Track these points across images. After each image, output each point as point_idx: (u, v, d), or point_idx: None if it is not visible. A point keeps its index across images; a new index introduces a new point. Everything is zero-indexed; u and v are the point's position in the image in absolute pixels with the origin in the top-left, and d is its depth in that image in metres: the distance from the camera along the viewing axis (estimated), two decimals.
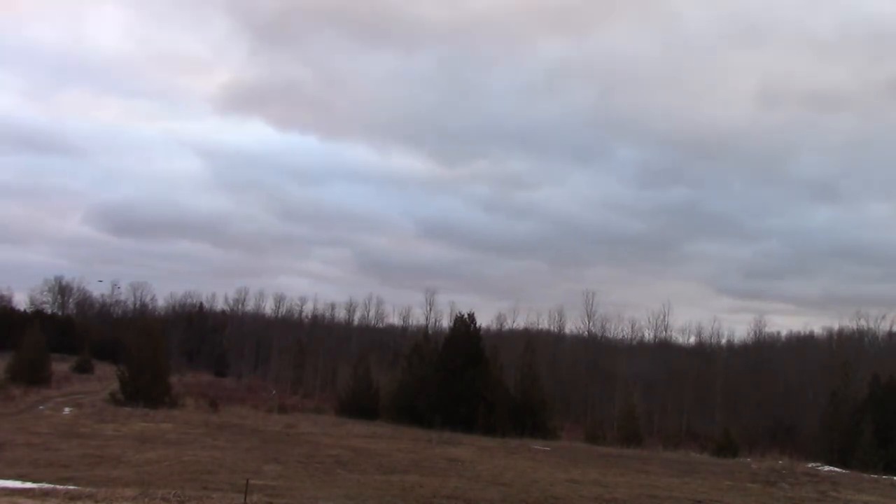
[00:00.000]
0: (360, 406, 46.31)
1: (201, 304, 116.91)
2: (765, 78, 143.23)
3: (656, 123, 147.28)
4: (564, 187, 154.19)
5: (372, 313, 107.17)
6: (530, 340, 64.16)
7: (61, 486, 14.01)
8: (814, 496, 21.56)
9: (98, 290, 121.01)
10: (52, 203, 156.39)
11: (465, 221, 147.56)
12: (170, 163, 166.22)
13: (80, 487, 14.08)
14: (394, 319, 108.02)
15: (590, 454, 31.81)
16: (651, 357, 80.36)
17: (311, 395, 69.13)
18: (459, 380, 41.85)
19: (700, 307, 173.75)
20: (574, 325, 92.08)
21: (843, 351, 72.07)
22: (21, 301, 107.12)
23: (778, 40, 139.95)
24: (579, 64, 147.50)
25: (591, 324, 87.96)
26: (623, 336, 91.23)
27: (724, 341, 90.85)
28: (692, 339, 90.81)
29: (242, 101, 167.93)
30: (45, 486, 13.98)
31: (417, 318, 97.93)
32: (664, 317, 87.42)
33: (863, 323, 79.97)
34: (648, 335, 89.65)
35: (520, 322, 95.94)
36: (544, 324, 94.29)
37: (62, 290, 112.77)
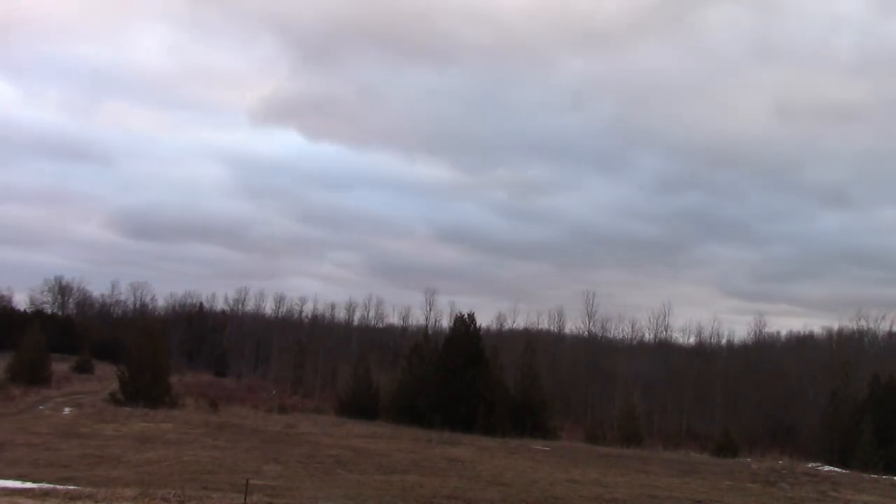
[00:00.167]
0: (360, 406, 46.31)
1: (201, 304, 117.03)
2: (782, 93, 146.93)
3: (674, 134, 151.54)
4: (582, 194, 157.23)
5: (372, 313, 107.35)
6: (530, 340, 64.18)
7: (61, 486, 14.02)
8: (814, 496, 21.56)
9: (98, 290, 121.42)
10: (73, 207, 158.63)
11: (480, 226, 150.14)
12: (195, 170, 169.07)
13: (80, 487, 14.08)
14: (394, 319, 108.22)
15: (590, 454, 31.81)
16: (651, 357, 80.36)
17: (311, 395, 69.13)
18: (459, 380, 41.84)
19: (708, 309, 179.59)
20: (574, 325, 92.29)
21: (843, 351, 72.04)
22: (21, 301, 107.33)
23: (798, 59, 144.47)
24: (604, 80, 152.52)
25: (591, 324, 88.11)
26: (623, 336, 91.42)
27: (724, 341, 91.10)
28: (692, 340, 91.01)
29: (278, 112, 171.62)
30: (45, 486, 13.99)
31: (417, 318, 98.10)
32: (664, 317, 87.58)
33: (863, 323, 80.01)
34: (648, 335, 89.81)
35: (520, 322, 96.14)
36: (544, 324, 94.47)
37: (62, 290, 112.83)
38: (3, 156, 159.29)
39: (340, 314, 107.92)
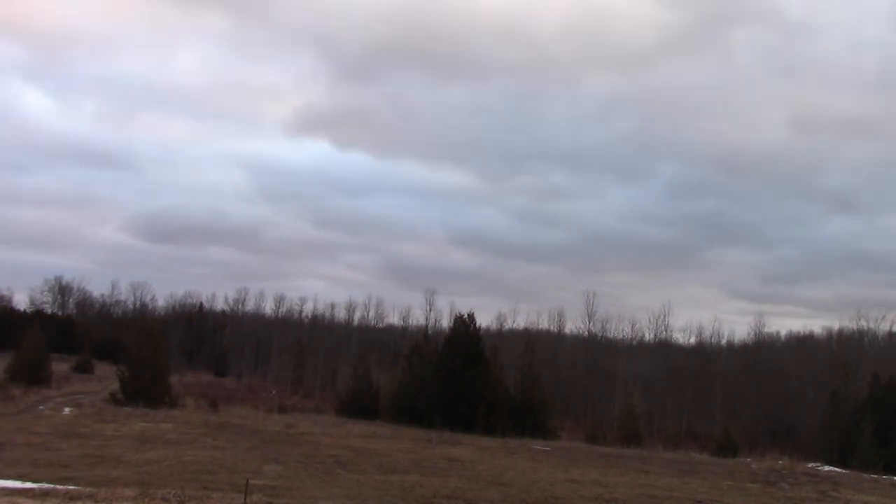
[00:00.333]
0: (360, 406, 46.30)
1: (201, 304, 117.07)
2: (799, 107, 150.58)
3: (692, 144, 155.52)
4: (598, 200, 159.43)
5: (372, 313, 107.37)
6: (530, 340, 64.21)
7: (61, 486, 14.02)
8: (814, 496, 21.56)
9: (98, 290, 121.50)
10: (92, 212, 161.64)
11: (495, 229, 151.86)
12: (218, 176, 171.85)
13: (80, 487, 14.08)
14: (394, 319, 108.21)
15: (590, 454, 31.80)
16: (651, 357, 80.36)
17: (311, 395, 69.13)
18: (459, 380, 41.83)
19: (715, 310, 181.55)
20: (574, 325, 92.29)
21: (843, 351, 72.06)
22: (21, 301, 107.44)
23: (817, 76, 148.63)
24: (629, 95, 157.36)
25: (591, 324, 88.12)
26: (623, 336, 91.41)
27: (724, 341, 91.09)
28: (692, 340, 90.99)
29: (311, 123, 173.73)
30: (45, 486, 13.98)
31: (417, 318, 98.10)
32: (664, 317, 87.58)
33: (863, 323, 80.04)
34: (648, 335, 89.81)
35: (520, 322, 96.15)
36: (544, 324, 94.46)
37: (62, 290, 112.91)
38: (29, 161, 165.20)
39: (340, 314, 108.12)
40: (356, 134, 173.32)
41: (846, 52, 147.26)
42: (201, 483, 15.89)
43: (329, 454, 23.64)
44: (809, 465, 32.41)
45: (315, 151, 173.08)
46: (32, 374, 48.69)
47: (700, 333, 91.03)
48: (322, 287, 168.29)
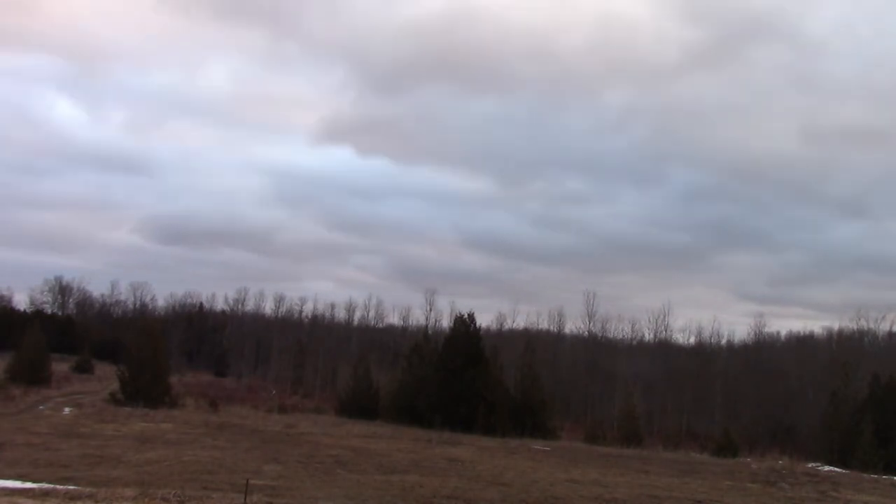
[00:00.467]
0: (360, 406, 46.29)
1: (201, 304, 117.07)
2: (812, 118, 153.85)
3: (706, 153, 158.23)
4: (612, 205, 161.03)
5: (372, 313, 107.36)
6: (530, 340, 64.20)
7: (61, 486, 14.02)
8: (814, 496, 21.56)
9: (98, 290, 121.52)
10: (108, 215, 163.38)
11: (507, 233, 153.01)
12: (237, 181, 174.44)
13: (80, 487, 14.08)
14: (394, 319, 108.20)
15: (590, 454, 31.80)
16: (651, 357, 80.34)
17: (311, 395, 69.14)
18: (459, 380, 41.82)
19: (722, 312, 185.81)
20: (574, 325, 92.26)
21: (843, 351, 72.04)
22: (21, 301, 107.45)
23: (831, 89, 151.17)
24: (647, 106, 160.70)
25: (591, 324, 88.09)
26: (623, 336, 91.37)
27: (724, 341, 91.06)
28: (692, 340, 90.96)
29: (336, 132, 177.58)
30: (45, 486, 13.99)
31: (417, 318, 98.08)
32: (664, 317, 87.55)
33: (863, 323, 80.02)
34: (648, 335, 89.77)
35: (520, 322, 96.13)
36: (544, 324, 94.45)
37: (62, 290, 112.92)
38: (54, 166, 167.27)
39: (340, 314, 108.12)
40: (378, 141, 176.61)
41: (860, 67, 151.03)
42: (201, 483, 15.89)
43: (329, 454, 23.64)
44: (809, 465, 32.41)
45: (336, 157, 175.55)
46: (32, 374, 48.70)
47: (700, 333, 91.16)
48: (331, 288, 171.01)
